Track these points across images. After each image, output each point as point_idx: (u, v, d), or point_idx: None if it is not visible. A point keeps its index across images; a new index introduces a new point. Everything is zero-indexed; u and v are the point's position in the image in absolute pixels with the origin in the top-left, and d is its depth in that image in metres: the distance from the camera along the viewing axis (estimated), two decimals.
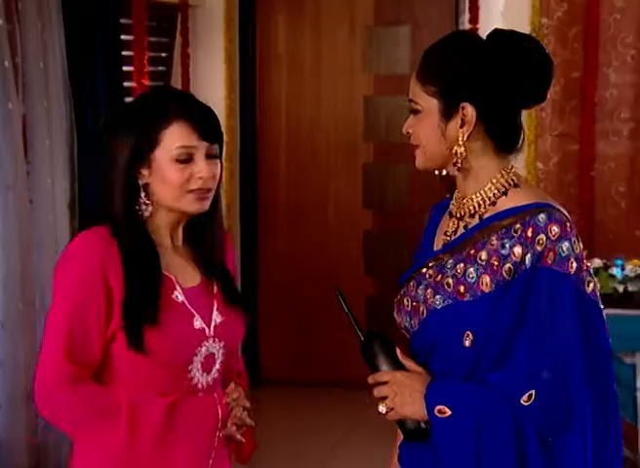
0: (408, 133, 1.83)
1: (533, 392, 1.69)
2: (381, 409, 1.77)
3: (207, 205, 1.95)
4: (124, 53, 4.26)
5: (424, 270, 1.85)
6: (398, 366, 1.80)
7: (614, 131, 4.81)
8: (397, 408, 1.76)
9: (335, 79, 5.33)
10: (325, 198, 5.41)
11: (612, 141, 4.81)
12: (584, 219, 4.87)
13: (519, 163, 5.02)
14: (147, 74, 4.49)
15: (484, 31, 1.87)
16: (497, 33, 1.79)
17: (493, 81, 1.74)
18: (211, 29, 5.20)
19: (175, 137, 1.89)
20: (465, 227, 1.82)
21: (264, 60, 5.37)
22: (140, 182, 1.92)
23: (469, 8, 4.95)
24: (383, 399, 1.78)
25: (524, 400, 1.69)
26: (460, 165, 1.78)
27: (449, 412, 1.71)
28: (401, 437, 1.83)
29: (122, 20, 4.22)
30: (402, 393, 1.76)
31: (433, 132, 1.78)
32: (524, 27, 4.81)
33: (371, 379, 1.80)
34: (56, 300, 1.90)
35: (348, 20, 5.28)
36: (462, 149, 1.77)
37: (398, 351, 1.81)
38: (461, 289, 1.76)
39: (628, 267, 4.02)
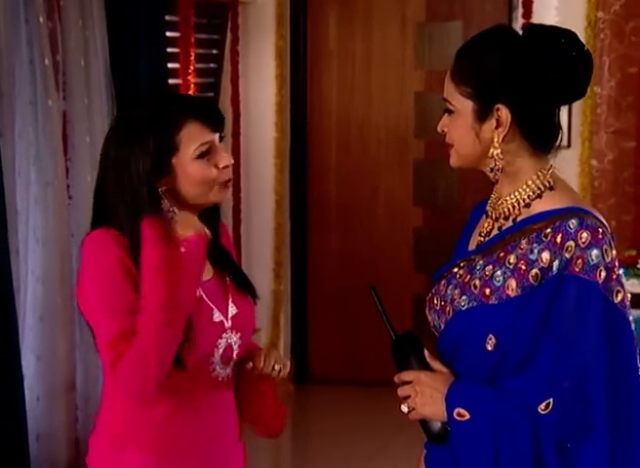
0: (443, 131, 1.81)
1: (551, 400, 1.66)
2: (404, 408, 1.78)
3: (228, 194, 2.00)
4: (171, 50, 4.28)
5: (455, 270, 1.84)
6: (425, 366, 1.80)
7: None
8: (418, 408, 1.76)
9: (386, 75, 5.29)
10: (375, 195, 5.37)
11: None
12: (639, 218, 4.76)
13: (573, 160, 4.97)
14: (197, 71, 4.52)
15: None
16: (533, 29, 1.74)
17: (529, 81, 1.70)
18: (262, 26, 5.21)
19: (192, 137, 1.91)
20: (500, 229, 1.80)
21: (315, 57, 5.35)
22: (161, 190, 1.92)
23: (523, 2, 4.87)
24: (407, 398, 1.78)
25: (541, 408, 1.66)
26: (497, 166, 1.74)
27: (468, 416, 1.70)
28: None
29: (168, 18, 4.25)
30: (423, 393, 1.75)
31: (467, 133, 1.75)
32: (579, 21, 4.72)
33: (396, 378, 1.81)
34: (90, 290, 1.90)
35: (400, 16, 5.23)
36: (498, 151, 1.73)
37: (426, 352, 1.81)
38: (487, 291, 1.73)
39: None
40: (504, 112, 1.71)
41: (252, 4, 5.19)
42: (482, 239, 1.83)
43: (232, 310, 2.02)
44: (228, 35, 5.04)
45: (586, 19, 4.76)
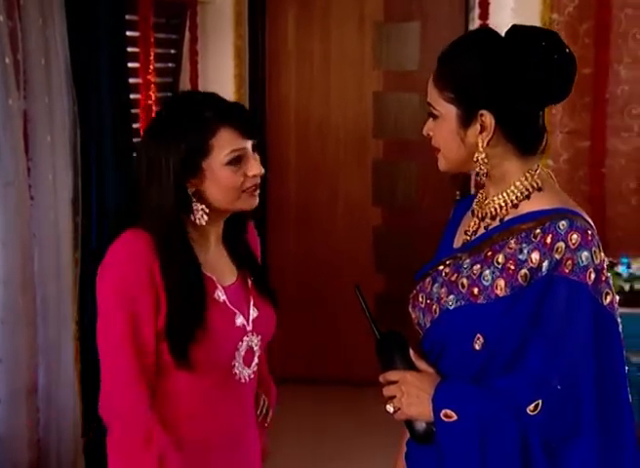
0: (428, 135, 1.81)
1: (540, 401, 1.66)
2: (389, 408, 1.78)
3: (257, 200, 1.99)
4: (130, 49, 4.25)
5: (441, 267, 1.84)
6: (411, 366, 1.79)
7: (625, 127, 4.79)
8: (404, 408, 1.76)
9: (344, 75, 5.31)
10: (334, 195, 5.39)
11: (623, 138, 4.79)
12: (595, 216, 4.80)
13: None
14: (155, 71, 4.50)
15: (494, 27, 1.83)
16: (515, 31, 1.74)
17: (510, 85, 1.70)
18: (220, 26, 5.20)
19: (224, 143, 1.92)
20: (486, 228, 1.80)
21: (274, 57, 5.36)
22: (190, 191, 1.94)
23: (479, 3, 4.92)
24: (392, 398, 1.77)
25: (530, 409, 1.67)
26: (482, 170, 1.75)
27: (455, 417, 1.70)
28: (408, 434, 1.82)
29: (128, 17, 4.21)
30: (409, 393, 1.75)
31: (452, 137, 1.76)
32: (534, 23, 4.68)
33: (382, 378, 1.81)
34: (107, 306, 1.91)
35: (358, 16, 5.25)
36: (483, 155, 1.74)
37: (412, 351, 1.81)
38: (475, 291, 1.74)
39: (635, 265, 3.98)
40: (488, 117, 1.72)
41: (210, 3, 5.17)
42: (468, 237, 1.83)
43: (254, 313, 2.04)
44: (187, 34, 5.02)
45: (541, 21, 4.81)
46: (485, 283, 1.73)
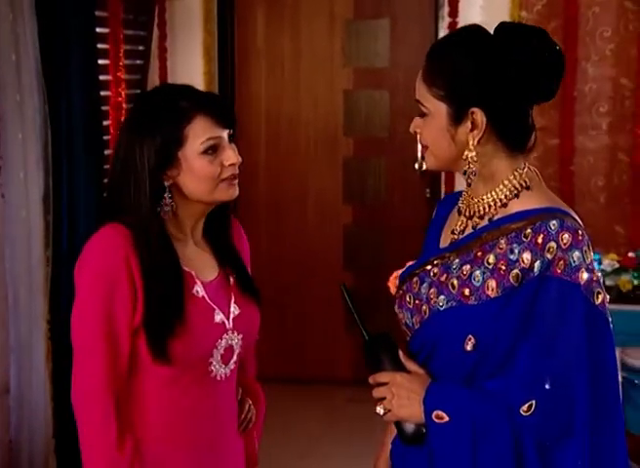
0: (416, 132, 1.78)
1: (533, 402, 1.65)
2: (379, 410, 1.75)
3: (237, 191, 1.97)
4: (100, 46, 4.23)
5: (429, 267, 1.81)
6: (400, 367, 1.76)
7: (593, 125, 4.82)
8: (394, 409, 1.73)
9: (314, 73, 5.30)
10: (305, 193, 5.38)
11: (591, 135, 4.82)
12: None
13: None
14: (124, 68, 4.47)
15: (463, 24, 1.81)
16: (504, 28, 1.72)
17: (502, 84, 1.68)
18: (189, 22, 5.18)
19: (199, 131, 1.90)
20: (474, 227, 1.78)
21: (243, 54, 5.34)
22: (167, 183, 1.92)
23: (449, 1, 4.93)
24: (382, 400, 1.75)
25: (523, 410, 1.65)
26: (472, 169, 1.72)
27: (447, 418, 1.68)
28: (394, 433, 1.81)
29: (97, 13, 4.18)
30: (400, 395, 1.73)
31: (442, 135, 1.73)
32: (503, 20, 4.79)
33: (371, 380, 1.78)
34: (84, 300, 1.90)
35: (328, 14, 5.24)
36: (474, 153, 1.71)
37: (401, 353, 1.78)
38: (466, 291, 1.72)
39: (605, 261, 4.01)
40: (479, 115, 1.70)
41: (178, 0, 5.15)
42: (455, 237, 1.81)
43: (235, 311, 2.01)
44: (155, 31, 4.99)
45: (510, 19, 4.82)
46: (476, 283, 1.71)
